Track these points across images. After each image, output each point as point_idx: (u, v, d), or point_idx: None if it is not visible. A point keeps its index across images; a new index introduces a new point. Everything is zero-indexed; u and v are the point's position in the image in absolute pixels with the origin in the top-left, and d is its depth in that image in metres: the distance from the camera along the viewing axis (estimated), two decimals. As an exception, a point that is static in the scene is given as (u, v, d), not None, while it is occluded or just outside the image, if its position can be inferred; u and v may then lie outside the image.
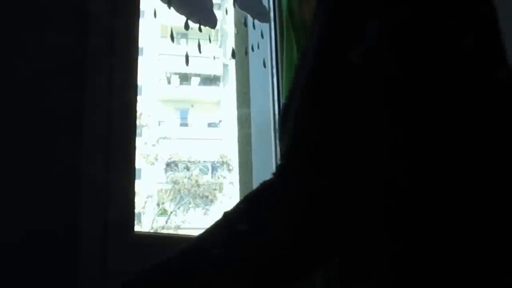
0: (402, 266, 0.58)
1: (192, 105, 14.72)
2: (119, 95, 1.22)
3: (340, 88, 0.70)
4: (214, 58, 14.10)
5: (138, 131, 1.36)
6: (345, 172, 0.64)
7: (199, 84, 15.20)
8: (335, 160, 0.64)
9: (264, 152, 1.81)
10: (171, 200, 11.80)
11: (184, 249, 0.67)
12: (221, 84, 14.93)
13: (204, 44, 1.72)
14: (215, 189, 12.19)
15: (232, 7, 1.83)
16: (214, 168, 13.09)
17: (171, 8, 1.53)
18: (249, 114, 1.96)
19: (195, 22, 1.58)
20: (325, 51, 0.74)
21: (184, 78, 15.14)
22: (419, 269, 0.57)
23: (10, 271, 1.01)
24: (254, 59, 1.92)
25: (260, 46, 1.86)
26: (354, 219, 0.63)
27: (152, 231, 7.98)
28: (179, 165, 12.58)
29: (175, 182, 12.00)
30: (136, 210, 1.71)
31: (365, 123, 0.69)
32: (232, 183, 11.50)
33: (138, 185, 4.29)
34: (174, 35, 1.82)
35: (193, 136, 13.71)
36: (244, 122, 2.02)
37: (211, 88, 15.09)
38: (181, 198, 11.83)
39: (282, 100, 1.74)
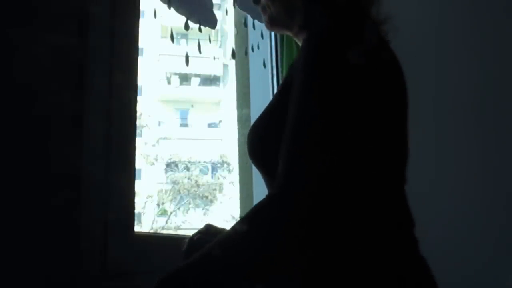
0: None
1: (192, 106, 14.71)
2: (119, 96, 1.22)
3: (342, 94, 0.74)
4: (214, 58, 14.10)
5: (138, 131, 1.36)
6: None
7: (199, 85, 15.19)
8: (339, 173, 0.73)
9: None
10: (171, 200, 11.80)
11: (203, 255, 0.75)
12: (221, 84, 14.93)
13: (204, 45, 1.72)
14: (215, 190, 12.18)
15: (232, 7, 1.83)
16: (214, 168, 13.09)
17: (171, 8, 1.53)
18: (249, 114, 1.96)
19: (195, 22, 1.58)
20: (325, 52, 0.76)
21: (184, 79, 15.13)
22: None
23: (11, 270, 1.01)
24: (254, 59, 1.93)
25: (260, 47, 1.86)
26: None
27: (152, 231, 7.98)
28: (179, 165, 12.58)
29: (175, 183, 11.99)
30: (136, 211, 1.71)
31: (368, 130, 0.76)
32: (232, 182, 11.49)
33: (138, 185, 4.28)
34: (174, 36, 1.82)
35: (193, 137, 13.70)
36: (244, 122, 2.03)
37: (211, 89, 15.09)
38: (181, 199, 11.82)
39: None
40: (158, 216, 11.41)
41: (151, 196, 11.52)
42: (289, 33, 1.03)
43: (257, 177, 1.84)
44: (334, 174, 0.73)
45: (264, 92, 1.88)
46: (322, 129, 0.73)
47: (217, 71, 14.72)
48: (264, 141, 0.88)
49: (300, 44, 1.00)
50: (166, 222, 11.11)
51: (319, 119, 0.73)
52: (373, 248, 0.76)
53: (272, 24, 1.00)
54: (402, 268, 0.78)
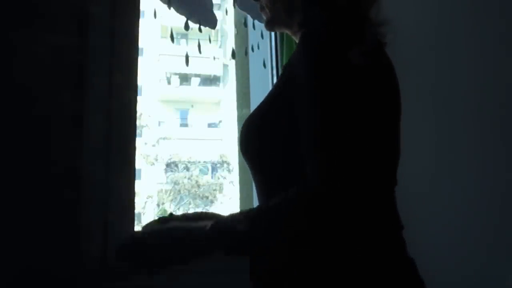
0: None
1: (192, 106, 14.73)
2: (119, 96, 1.22)
3: (346, 91, 0.74)
4: (214, 58, 14.11)
5: (138, 131, 1.36)
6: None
7: (199, 85, 15.21)
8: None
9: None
10: (171, 200, 11.80)
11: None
12: (221, 84, 14.94)
13: (204, 45, 1.72)
14: (215, 190, 12.18)
15: (232, 7, 1.83)
16: (214, 169, 13.09)
17: (171, 8, 1.53)
18: (249, 114, 1.95)
19: (195, 22, 1.58)
20: (325, 52, 0.76)
21: (184, 79, 15.14)
22: None
23: (11, 270, 1.01)
24: (254, 59, 1.92)
25: (260, 47, 1.86)
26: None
27: (152, 231, 7.95)
28: (179, 165, 12.58)
29: (175, 183, 12.00)
30: (136, 211, 1.71)
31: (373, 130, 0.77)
32: (232, 182, 11.49)
33: (138, 186, 4.28)
34: (174, 36, 1.82)
35: (193, 137, 13.71)
36: (244, 122, 2.02)
37: (211, 89, 15.10)
38: (181, 199, 11.83)
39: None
40: (158, 216, 11.40)
41: (151, 196, 11.52)
42: (288, 31, 1.03)
43: (257, 177, 1.83)
44: (355, 172, 0.74)
45: (264, 92, 1.87)
46: (339, 127, 0.74)
47: (217, 71, 14.73)
48: (256, 137, 0.89)
49: (297, 41, 1.01)
50: (166, 222, 11.07)
51: (336, 118, 0.75)
52: (362, 249, 0.77)
53: (271, 23, 1.01)
54: (389, 269, 0.79)
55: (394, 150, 0.86)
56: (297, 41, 1.00)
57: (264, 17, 1.02)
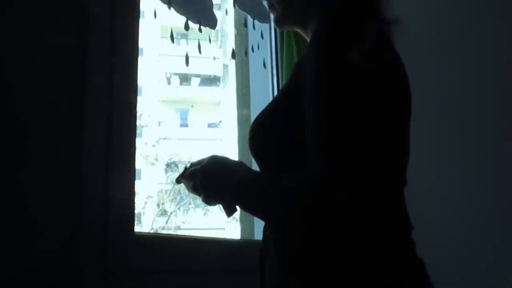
0: None
1: (192, 106, 14.72)
2: (119, 96, 1.22)
3: (350, 91, 0.74)
4: (214, 58, 14.10)
5: (138, 131, 1.36)
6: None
7: (199, 85, 15.20)
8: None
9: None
10: (171, 200, 11.79)
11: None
12: (221, 84, 14.92)
13: (204, 45, 1.72)
14: (215, 190, 12.13)
15: (232, 7, 1.83)
16: (214, 169, 13.05)
17: (171, 8, 1.53)
18: (249, 114, 1.96)
19: (195, 22, 1.59)
20: (335, 50, 0.76)
21: (184, 79, 15.14)
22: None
23: (11, 270, 1.01)
24: (254, 59, 1.93)
25: (260, 47, 1.86)
26: None
27: (152, 231, 7.97)
28: (179, 165, 12.57)
29: (175, 183, 11.97)
30: (136, 211, 1.71)
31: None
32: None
33: (138, 186, 4.29)
34: (174, 36, 1.82)
35: (193, 137, 13.71)
36: (244, 122, 2.02)
37: (211, 89, 15.10)
38: (181, 199, 11.81)
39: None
40: (158, 216, 11.39)
41: (151, 197, 11.50)
42: (298, 29, 1.01)
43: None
44: (363, 170, 0.73)
45: (264, 92, 1.88)
46: (347, 128, 0.74)
47: (217, 71, 14.72)
48: (264, 133, 0.88)
49: (307, 38, 1.00)
50: (166, 222, 11.09)
51: (340, 120, 0.74)
52: (372, 250, 0.76)
53: (282, 20, 0.99)
54: (400, 270, 0.78)
55: (403, 149, 0.85)
56: (307, 39, 1.00)
57: (274, 15, 1.01)
